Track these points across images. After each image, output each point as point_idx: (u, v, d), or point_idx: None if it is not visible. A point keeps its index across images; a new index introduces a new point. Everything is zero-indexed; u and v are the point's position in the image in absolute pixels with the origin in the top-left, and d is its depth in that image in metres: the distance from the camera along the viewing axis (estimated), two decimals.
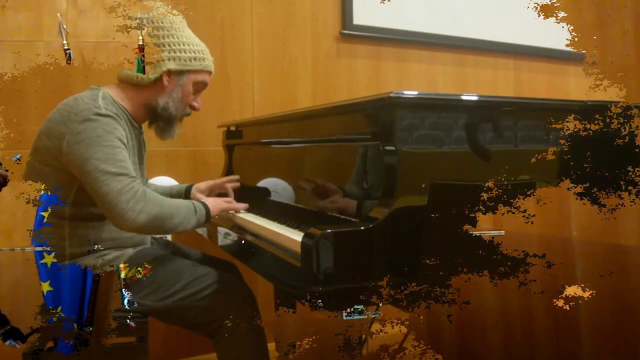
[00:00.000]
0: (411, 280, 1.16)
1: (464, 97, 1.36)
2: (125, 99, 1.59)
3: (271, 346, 1.84)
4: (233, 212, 1.74)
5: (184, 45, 1.59)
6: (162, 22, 1.59)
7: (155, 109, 1.61)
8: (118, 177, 1.39)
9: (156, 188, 1.87)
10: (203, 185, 1.86)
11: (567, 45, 1.55)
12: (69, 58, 1.92)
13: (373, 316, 1.46)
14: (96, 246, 1.52)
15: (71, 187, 1.47)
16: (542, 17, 1.54)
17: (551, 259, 1.31)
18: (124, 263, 1.52)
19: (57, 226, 1.49)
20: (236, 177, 1.94)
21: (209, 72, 1.67)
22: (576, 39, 1.54)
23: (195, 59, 1.60)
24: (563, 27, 1.55)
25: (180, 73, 1.60)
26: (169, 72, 1.58)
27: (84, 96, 1.50)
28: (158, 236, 1.86)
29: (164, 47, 1.58)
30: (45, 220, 1.49)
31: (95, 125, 1.42)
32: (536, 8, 1.55)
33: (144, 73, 1.60)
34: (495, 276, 1.25)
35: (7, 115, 2.03)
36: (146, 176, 1.78)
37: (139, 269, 1.52)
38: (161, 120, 1.64)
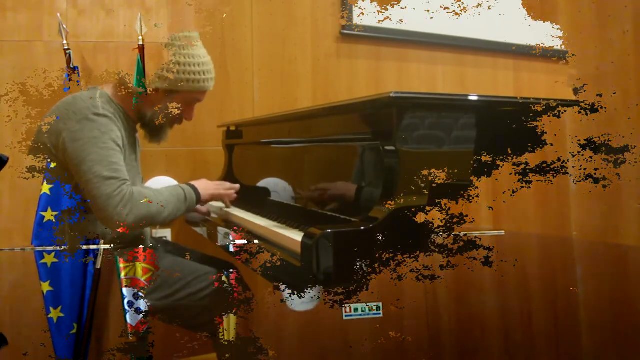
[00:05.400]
0: (410, 280, 1.16)
1: (464, 97, 1.36)
2: (122, 98, 1.61)
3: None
4: (231, 210, 1.74)
5: (178, 65, 1.59)
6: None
7: (144, 117, 1.65)
8: (108, 180, 1.41)
9: None
10: None
11: (565, 46, 1.55)
12: (69, 59, 1.92)
13: (372, 316, 1.46)
14: (95, 243, 1.53)
15: (70, 182, 1.49)
16: (540, 20, 1.54)
17: (551, 259, 1.31)
18: (124, 262, 1.52)
19: (56, 221, 1.51)
20: (237, 186, 1.83)
21: (203, 92, 1.68)
22: (575, 39, 1.54)
23: (187, 80, 1.60)
24: (562, 27, 1.55)
25: (169, 92, 1.62)
26: (157, 89, 1.61)
27: (82, 95, 1.53)
28: (158, 236, 1.86)
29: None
30: (45, 220, 1.50)
31: (92, 126, 1.44)
32: (535, 11, 1.55)
33: (144, 73, 1.61)
34: (494, 273, 1.25)
35: (6, 116, 2.03)
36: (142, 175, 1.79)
37: (139, 269, 1.52)
38: (148, 127, 1.68)
